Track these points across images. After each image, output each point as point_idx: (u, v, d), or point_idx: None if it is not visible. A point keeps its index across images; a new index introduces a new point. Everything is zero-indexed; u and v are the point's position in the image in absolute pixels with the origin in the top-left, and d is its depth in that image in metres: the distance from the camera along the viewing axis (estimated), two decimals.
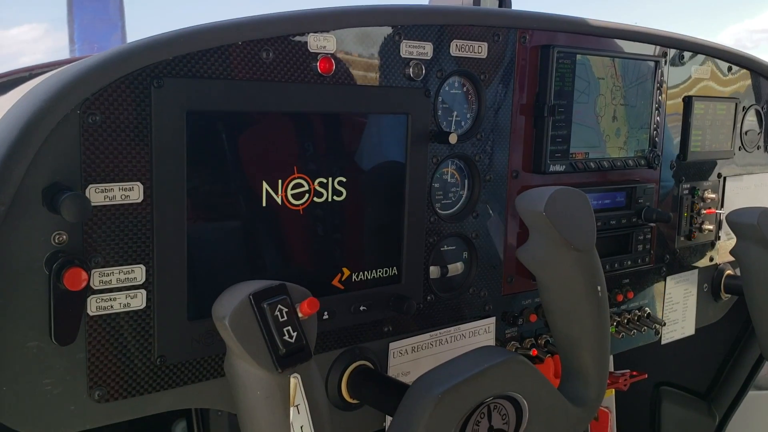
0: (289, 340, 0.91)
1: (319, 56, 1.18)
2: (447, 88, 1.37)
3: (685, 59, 1.84)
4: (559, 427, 1.20)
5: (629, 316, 1.83)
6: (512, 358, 1.10)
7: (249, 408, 0.92)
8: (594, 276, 1.24)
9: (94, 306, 1.03)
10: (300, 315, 0.94)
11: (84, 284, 0.94)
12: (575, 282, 1.22)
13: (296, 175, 1.18)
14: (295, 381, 0.92)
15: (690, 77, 1.86)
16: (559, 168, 1.55)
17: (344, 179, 1.24)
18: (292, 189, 1.18)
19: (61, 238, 0.98)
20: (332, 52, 1.20)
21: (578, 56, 1.55)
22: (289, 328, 0.92)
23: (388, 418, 1.37)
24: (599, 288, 1.25)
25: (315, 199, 1.21)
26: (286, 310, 0.92)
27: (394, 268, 1.34)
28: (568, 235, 1.19)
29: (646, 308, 1.87)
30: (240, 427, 0.95)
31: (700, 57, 1.88)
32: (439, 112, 1.36)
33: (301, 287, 0.97)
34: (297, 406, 0.92)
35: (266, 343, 0.90)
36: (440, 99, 1.36)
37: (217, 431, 1.93)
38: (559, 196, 1.20)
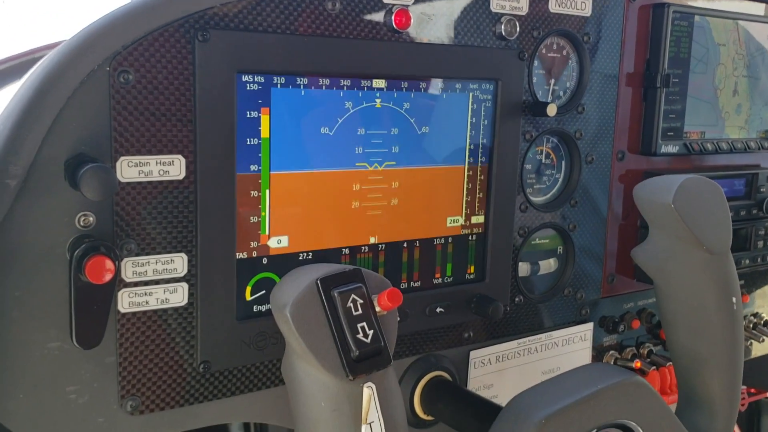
0: (364, 339, 0.72)
1: (395, 8, 0.98)
2: (544, 51, 1.16)
3: None
4: None
5: (744, 323, 1.59)
6: (629, 379, 0.89)
7: (310, 421, 0.74)
8: (728, 284, 1.01)
9: (126, 301, 0.86)
10: (378, 309, 0.75)
11: (109, 276, 0.78)
12: (705, 290, 1.00)
13: (359, 151, 1.00)
14: (369, 392, 0.73)
15: None
16: (671, 149, 1.32)
17: (416, 157, 1.05)
18: (356, 169, 1.00)
19: (87, 220, 0.82)
20: (409, 3, 1.00)
21: (696, 18, 1.31)
22: (365, 324, 0.73)
23: None
24: (734, 300, 1.02)
25: (377, 183, 1.03)
26: (362, 301, 0.74)
27: (478, 264, 1.14)
28: (700, 233, 0.97)
29: (763, 314, 1.62)
30: None
31: None
32: (534, 80, 1.15)
33: (380, 275, 0.79)
34: (370, 424, 0.73)
35: (335, 342, 0.72)
36: (536, 64, 1.15)
37: None
38: (690, 186, 0.98)
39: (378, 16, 0.98)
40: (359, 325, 0.73)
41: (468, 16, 1.06)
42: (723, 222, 1.00)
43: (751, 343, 1.57)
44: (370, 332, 0.73)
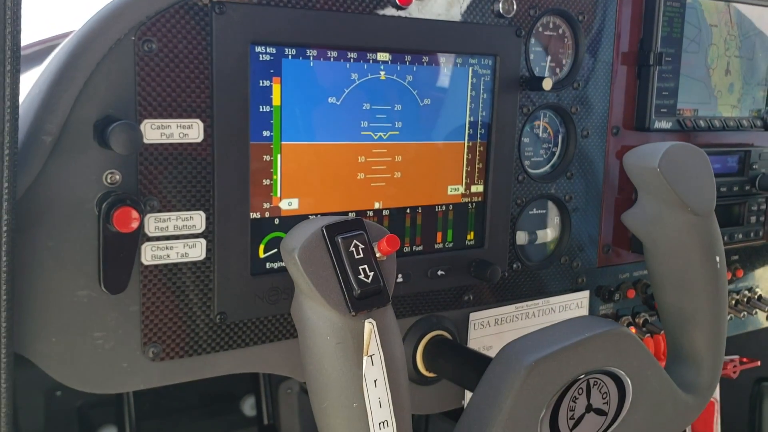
0: (365, 279, 0.79)
1: None
2: (540, 29, 1.22)
3: None
4: (667, 413, 1.04)
5: (737, 297, 1.64)
6: (617, 329, 0.95)
7: (317, 355, 0.81)
8: (712, 244, 1.07)
9: (149, 254, 0.94)
10: (378, 254, 0.82)
11: (135, 225, 0.85)
12: (690, 250, 1.06)
13: (364, 123, 1.07)
14: (369, 327, 0.80)
15: None
16: (664, 125, 1.38)
17: (418, 128, 1.12)
18: (361, 142, 1.07)
19: (113, 178, 0.89)
20: None
21: None
22: (365, 266, 0.80)
23: (468, 394, 1.24)
24: (718, 259, 1.08)
25: (381, 156, 1.09)
26: (363, 246, 0.80)
27: (477, 231, 1.20)
28: (686, 195, 1.03)
29: (757, 289, 1.67)
30: (306, 378, 0.84)
31: None
32: (531, 56, 1.21)
33: (380, 225, 0.86)
34: (371, 356, 0.80)
35: (339, 282, 0.79)
36: (533, 41, 1.21)
37: (287, 409, 1.85)
38: (675, 151, 1.04)
39: None
40: (361, 267, 0.80)
41: None
42: (707, 185, 1.06)
43: (744, 316, 1.62)
44: (371, 274, 0.80)
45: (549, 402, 0.90)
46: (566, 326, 0.96)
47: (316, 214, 1.06)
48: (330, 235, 0.80)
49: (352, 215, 1.09)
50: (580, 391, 0.93)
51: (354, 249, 0.80)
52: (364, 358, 0.79)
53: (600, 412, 0.97)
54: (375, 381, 0.80)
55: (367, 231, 0.82)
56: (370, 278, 0.80)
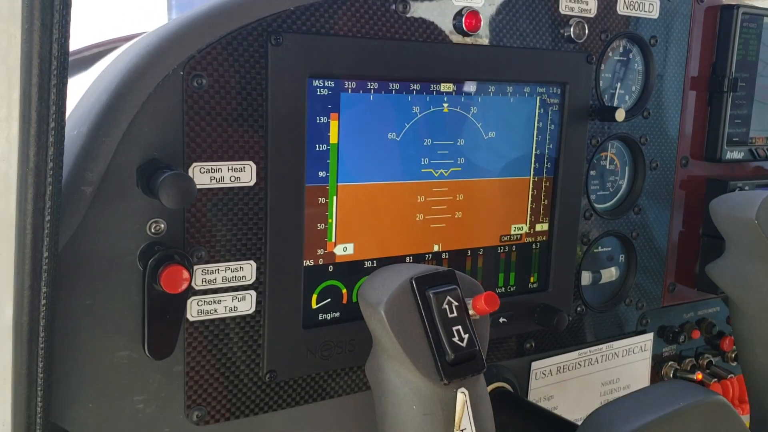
0: (459, 343, 0.69)
1: (465, 10, 0.96)
2: (610, 54, 1.13)
3: None
4: None
5: None
6: (714, 399, 0.85)
7: (399, 425, 0.71)
8: None
9: (195, 309, 0.85)
10: (471, 313, 0.72)
11: (185, 286, 0.76)
12: None
13: (425, 160, 0.98)
14: (462, 398, 0.70)
15: None
16: (736, 155, 1.28)
17: (482, 164, 1.03)
18: (421, 180, 0.98)
19: (158, 227, 0.81)
20: (480, 5, 0.98)
21: (765, 19, 1.27)
22: (460, 328, 0.70)
23: None
24: None
25: (442, 195, 1.00)
26: (456, 304, 0.71)
27: (541, 273, 1.11)
28: None
29: None
30: None
31: None
32: (601, 83, 1.12)
33: (472, 278, 0.76)
34: (462, 431, 0.71)
35: (430, 344, 0.69)
36: (601, 67, 1.12)
37: None
38: None
39: (448, 19, 0.96)
40: (454, 329, 0.70)
41: (536, 19, 1.03)
42: None
43: None
44: (466, 336, 0.71)
45: None
46: (657, 393, 0.87)
47: (372, 260, 0.97)
48: (420, 289, 0.71)
49: (409, 260, 1.00)
50: None
51: (447, 306, 0.70)
52: None
53: None
54: None
55: (460, 285, 0.73)
56: (465, 341, 0.70)
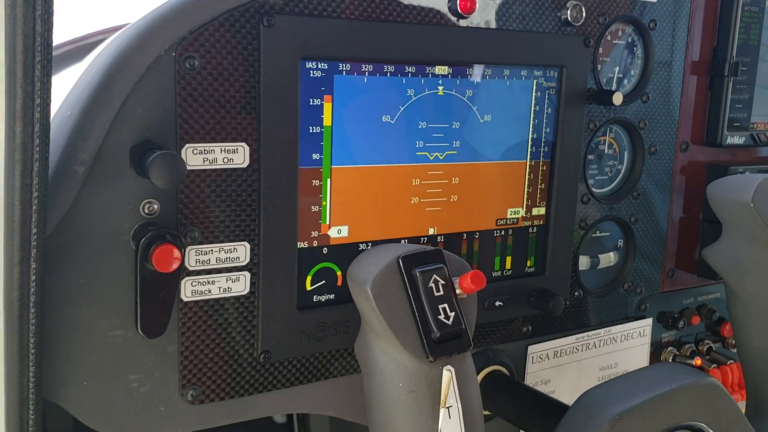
0: (445, 321, 0.70)
1: None
2: (609, 38, 1.12)
3: None
4: None
5: None
6: (706, 380, 0.85)
7: (386, 403, 0.72)
8: None
9: (189, 290, 0.85)
10: (458, 291, 0.73)
11: (176, 265, 0.77)
12: None
13: (420, 143, 0.98)
14: (448, 375, 0.70)
15: None
16: (737, 140, 1.28)
17: (477, 147, 1.02)
18: (416, 163, 0.98)
19: (151, 208, 0.81)
20: None
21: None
22: (446, 306, 0.71)
23: None
24: None
25: (437, 178, 1.00)
26: (443, 283, 0.71)
27: (538, 257, 1.11)
28: None
29: None
30: (370, 425, 0.75)
31: None
32: (599, 67, 1.11)
33: (460, 258, 0.76)
34: (448, 408, 0.71)
35: (416, 322, 0.70)
36: (599, 51, 1.11)
37: (317, 417, 1.77)
38: None
39: (443, 1, 0.95)
40: (440, 307, 0.71)
41: (533, 1, 1.02)
42: None
43: None
44: (452, 314, 0.71)
45: None
46: (649, 374, 0.87)
47: (366, 243, 0.97)
48: (407, 268, 0.71)
49: (404, 242, 1.00)
50: None
51: (433, 285, 0.71)
52: (441, 409, 0.70)
53: None
54: None
55: (447, 264, 0.73)
56: (451, 319, 0.71)
